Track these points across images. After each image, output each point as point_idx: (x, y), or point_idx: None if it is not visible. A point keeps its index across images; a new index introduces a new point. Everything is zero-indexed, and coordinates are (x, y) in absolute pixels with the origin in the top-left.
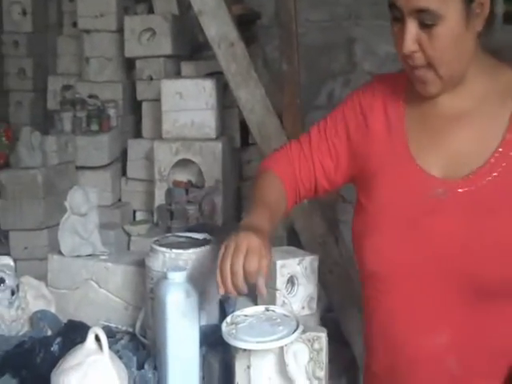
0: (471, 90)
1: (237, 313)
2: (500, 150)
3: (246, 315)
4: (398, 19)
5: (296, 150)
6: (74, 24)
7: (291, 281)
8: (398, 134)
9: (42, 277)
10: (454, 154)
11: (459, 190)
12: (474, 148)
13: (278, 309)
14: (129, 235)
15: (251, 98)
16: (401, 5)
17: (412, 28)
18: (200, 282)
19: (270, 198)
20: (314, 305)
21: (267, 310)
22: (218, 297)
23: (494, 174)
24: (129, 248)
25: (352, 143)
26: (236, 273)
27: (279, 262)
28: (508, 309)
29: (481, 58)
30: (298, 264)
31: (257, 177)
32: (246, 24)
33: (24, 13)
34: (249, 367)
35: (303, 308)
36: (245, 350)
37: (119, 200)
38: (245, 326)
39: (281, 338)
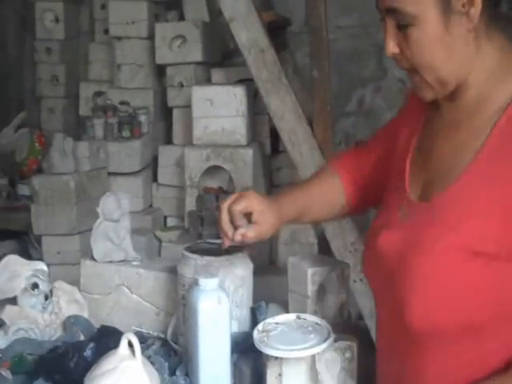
0: (469, 97)
1: (268, 320)
2: (479, 157)
3: (277, 323)
4: (383, 19)
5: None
6: (106, 31)
7: (322, 289)
8: (408, 148)
9: (74, 281)
10: (432, 173)
11: (415, 216)
12: (448, 165)
13: (309, 317)
14: (160, 241)
15: (282, 104)
16: (378, 5)
17: (390, 28)
18: (231, 288)
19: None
20: (345, 313)
21: (298, 317)
22: (250, 304)
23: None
24: (160, 254)
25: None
26: (222, 211)
27: (310, 270)
28: (437, 355)
29: (491, 58)
30: (329, 272)
31: None
32: (277, 30)
33: (57, 20)
34: (280, 375)
35: (334, 316)
36: (276, 357)
37: (150, 206)
38: (276, 334)
39: (312, 347)
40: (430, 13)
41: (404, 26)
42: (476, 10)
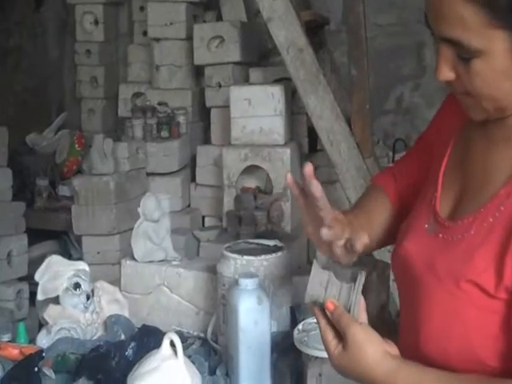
0: None
1: (308, 320)
2: (501, 192)
3: (317, 323)
4: (435, 38)
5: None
6: (145, 33)
7: (363, 288)
8: (443, 156)
9: (114, 281)
10: (464, 188)
11: (440, 235)
12: (480, 183)
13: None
14: (198, 241)
15: (320, 103)
16: (432, 26)
17: (446, 53)
18: (271, 288)
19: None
20: (386, 312)
21: None
22: (289, 304)
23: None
24: (198, 253)
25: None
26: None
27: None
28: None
29: None
30: (370, 272)
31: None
32: (315, 29)
33: (96, 22)
34: (320, 375)
35: (375, 316)
36: (317, 357)
37: (188, 206)
38: (316, 334)
39: None
40: (499, 47)
41: (465, 58)
42: None
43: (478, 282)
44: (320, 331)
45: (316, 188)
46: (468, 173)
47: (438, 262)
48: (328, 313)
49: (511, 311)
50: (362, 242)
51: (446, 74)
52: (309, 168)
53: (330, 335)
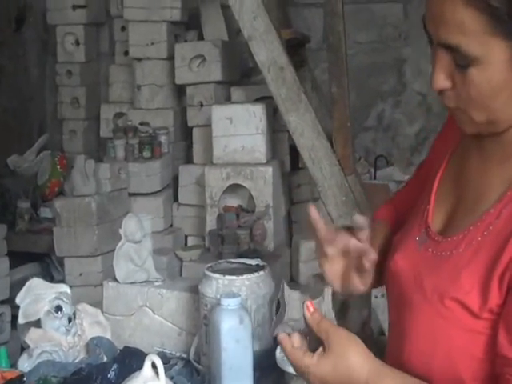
0: None
1: None
2: (491, 211)
3: None
4: (433, 43)
5: None
6: (126, 53)
7: (345, 305)
8: (439, 169)
9: (97, 303)
10: (457, 203)
11: (429, 250)
12: (473, 200)
13: None
14: (181, 260)
15: (301, 121)
16: (430, 32)
17: (443, 60)
18: (253, 308)
19: None
20: (368, 328)
21: None
22: (272, 322)
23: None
24: (181, 273)
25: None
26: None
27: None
28: None
29: None
30: None
31: None
32: (295, 48)
33: (77, 43)
34: None
35: (357, 332)
36: (298, 376)
37: (171, 225)
38: None
39: None
40: (497, 57)
41: (461, 65)
42: None
43: (463, 301)
44: (286, 354)
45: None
46: (462, 189)
47: (425, 279)
48: (306, 313)
49: (497, 334)
50: (371, 258)
51: (442, 82)
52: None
53: (299, 352)
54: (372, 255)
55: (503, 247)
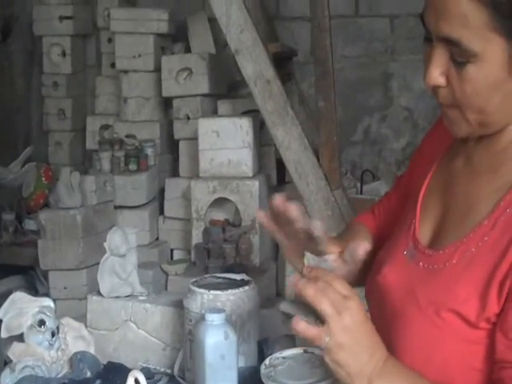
0: (504, 144)
1: (275, 355)
2: (485, 222)
3: (284, 357)
4: (430, 40)
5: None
6: (113, 65)
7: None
8: (423, 180)
9: (81, 316)
10: (445, 216)
11: (420, 264)
12: (462, 212)
13: (317, 351)
14: (166, 274)
15: (288, 135)
16: (430, 27)
17: (438, 54)
18: (238, 323)
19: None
20: None
21: (306, 351)
22: (257, 338)
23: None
24: (166, 287)
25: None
26: None
27: None
28: None
29: None
30: None
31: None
32: (282, 61)
33: (63, 54)
34: None
35: None
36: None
37: (157, 239)
38: (284, 369)
39: (320, 381)
40: (497, 55)
41: (459, 61)
42: None
43: (460, 311)
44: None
45: (293, 209)
46: (450, 201)
47: (418, 291)
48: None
49: (495, 343)
50: (365, 247)
51: (436, 78)
52: (278, 197)
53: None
54: (366, 245)
55: (502, 255)
